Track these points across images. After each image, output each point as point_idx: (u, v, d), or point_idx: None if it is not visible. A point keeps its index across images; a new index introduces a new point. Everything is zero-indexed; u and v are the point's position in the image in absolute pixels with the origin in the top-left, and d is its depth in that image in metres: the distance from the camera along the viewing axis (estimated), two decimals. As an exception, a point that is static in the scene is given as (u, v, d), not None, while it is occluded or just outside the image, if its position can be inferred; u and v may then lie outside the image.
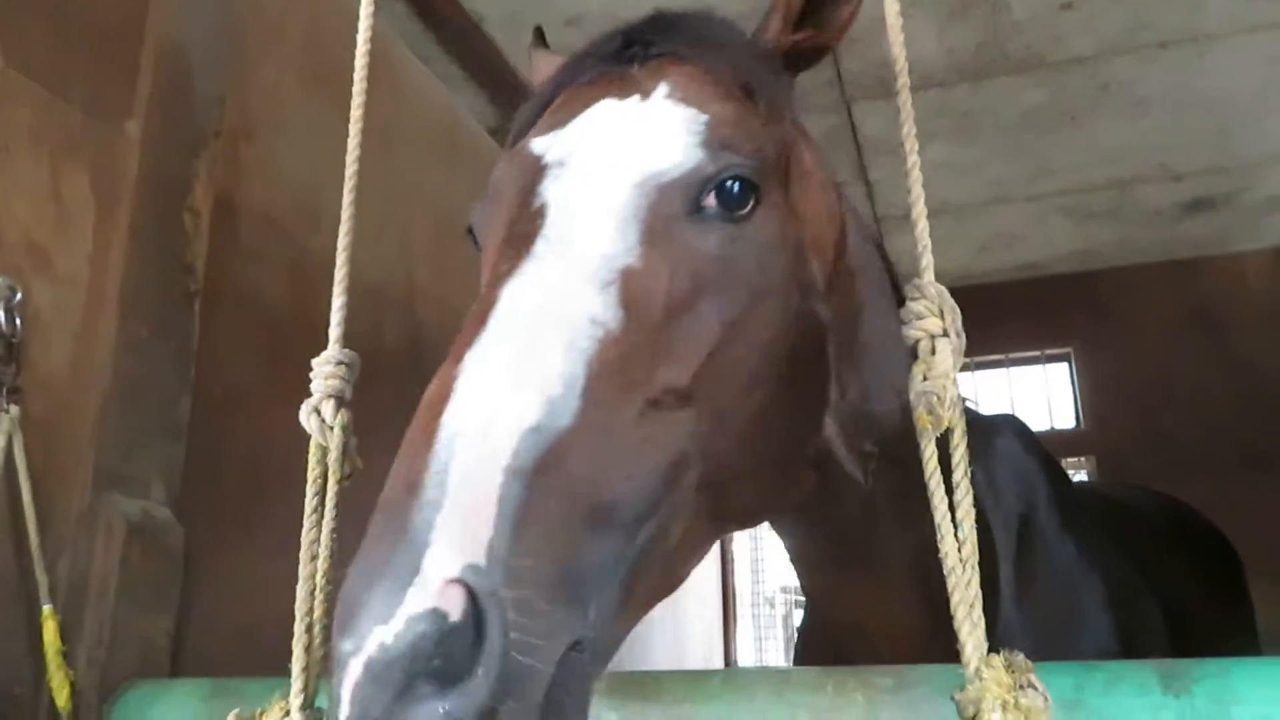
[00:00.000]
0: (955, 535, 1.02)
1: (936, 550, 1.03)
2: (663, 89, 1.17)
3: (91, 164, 2.32)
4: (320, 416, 1.34)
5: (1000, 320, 7.31)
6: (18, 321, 2.03)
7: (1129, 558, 2.27)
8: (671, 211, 1.06)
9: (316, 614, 1.27)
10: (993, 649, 1.79)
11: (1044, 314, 7.33)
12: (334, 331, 1.41)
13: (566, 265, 0.99)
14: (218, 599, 2.38)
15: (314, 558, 1.29)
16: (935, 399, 1.07)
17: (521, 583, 0.79)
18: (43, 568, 1.94)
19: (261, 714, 1.26)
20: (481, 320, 0.95)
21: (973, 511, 1.04)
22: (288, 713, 1.25)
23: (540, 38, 1.65)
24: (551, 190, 1.08)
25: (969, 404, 2.31)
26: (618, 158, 1.09)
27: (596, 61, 1.25)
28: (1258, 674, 1.32)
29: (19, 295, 2.05)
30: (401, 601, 0.75)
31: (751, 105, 1.20)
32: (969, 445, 1.91)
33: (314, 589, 1.28)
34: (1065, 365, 7.57)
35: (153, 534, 2.16)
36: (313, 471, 1.34)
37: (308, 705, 1.25)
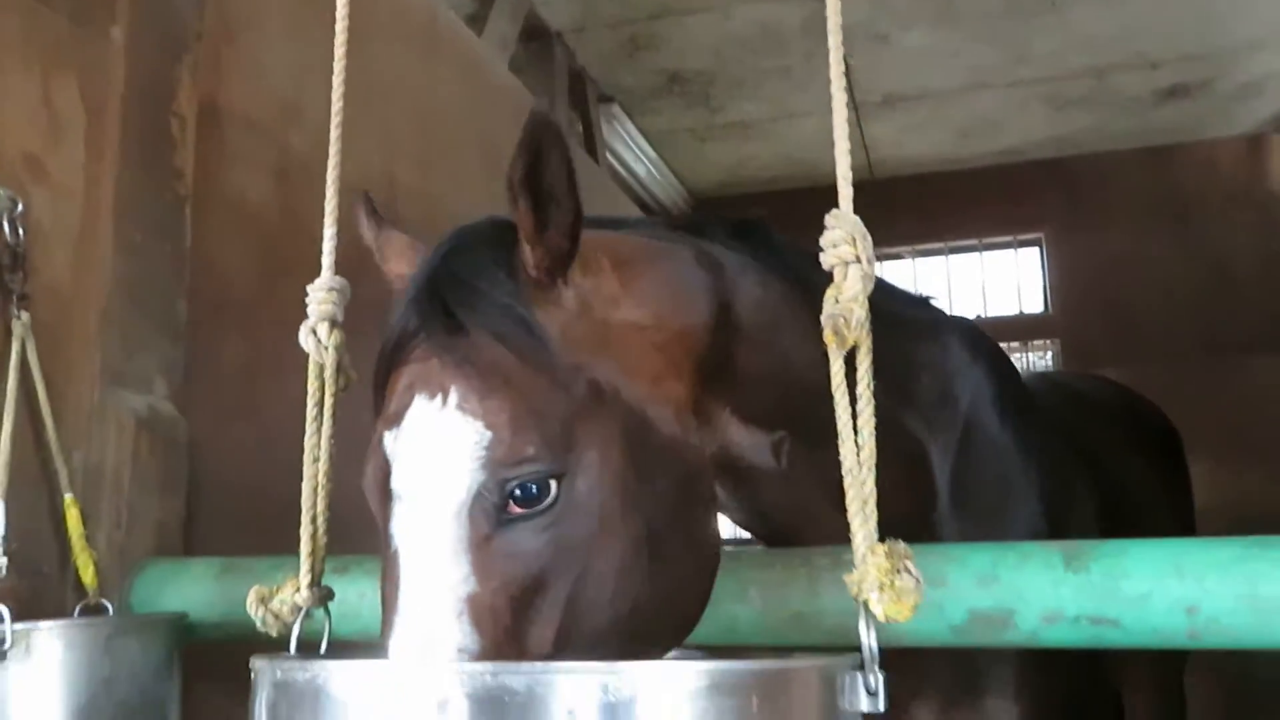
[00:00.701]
0: (855, 441, 1.19)
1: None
2: (454, 396, 1.22)
3: (80, 72, 2.40)
4: (317, 337, 1.49)
5: (976, 205, 7.43)
6: (20, 231, 2.16)
7: (1073, 446, 2.45)
8: (483, 532, 1.17)
9: (319, 508, 1.46)
10: (930, 539, 2.00)
11: (1019, 200, 7.45)
12: (326, 260, 1.54)
13: (423, 612, 1.15)
14: (222, 485, 2.57)
15: (315, 460, 1.47)
16: (842, 320, 1.22)
17: None
18: (61, 460, 2.12)
19: (276, 590, 1.47)
20: None
21: (873, 420, 1.20)
22: (298, 589, 1.45)
23: (370, 206, 1.58)
24: (396, 530, 1.22)
25: (933, 302, 2.46)
26: (431, 494, 1.20)
27: (413, 330, 1.30)
28: (1145, 554, 1.51)
29: (20, 206, 2.17)
30: None
31: (538, 368, 1.24)
32: (924, 354, 2.06)
33: (316, 487, 1.46)
34: (1037, 250, 7.72)
35: (159, 428, 2.34)
36: (312, 384, 1.49)
37: (315, 584, 1.46)
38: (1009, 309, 7.68)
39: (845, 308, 1.24)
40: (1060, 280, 7.43)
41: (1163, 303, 6.90)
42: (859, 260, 1.27)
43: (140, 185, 2.48)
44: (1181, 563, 1.45)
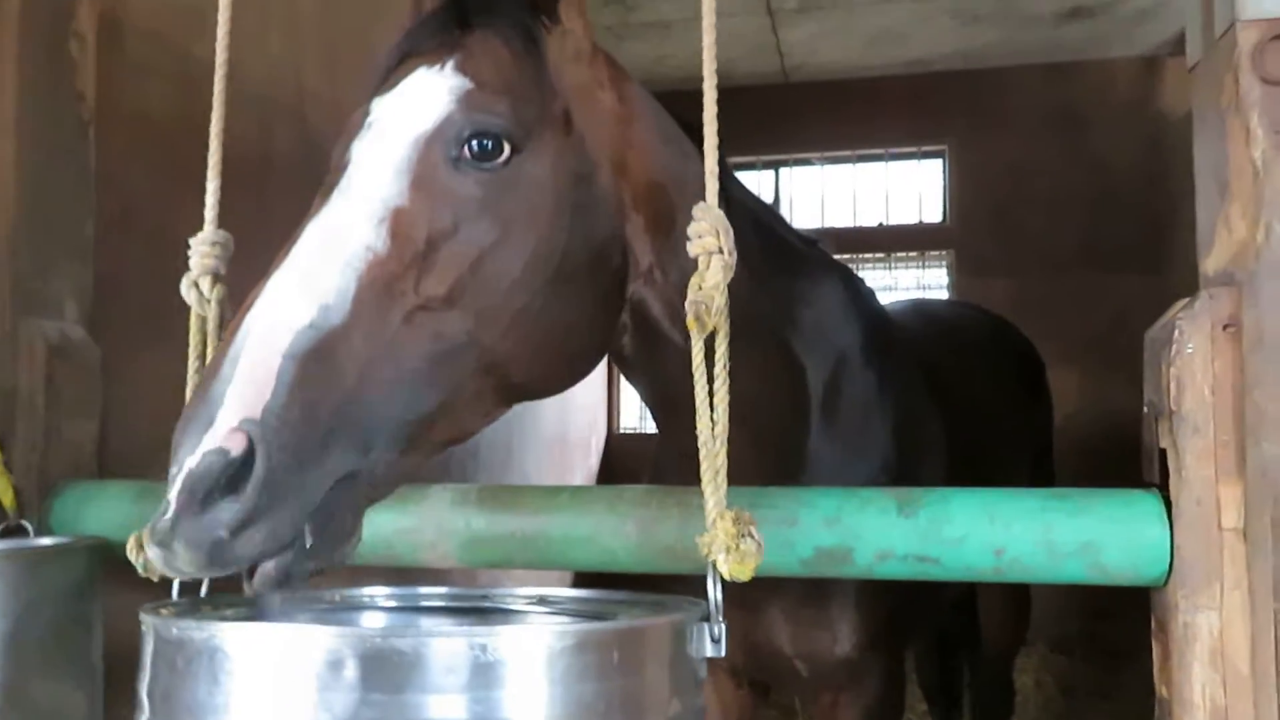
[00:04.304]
0: (711, 417, 1.36)
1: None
2: (453, 61, 1.42)
3: (-27, -7, 2.37)
4: (199, 290, 1.58)
5: (883, 114, 7.58)
6: (-78, 159, 2.17)
7: (930, 381, 2.67)
8: (434, 162, 1.35)
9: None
10: (802, 473, 2.19)
11: (925, 110, 7.61)
12: (208, 214, 1.61)
13: (351, 208, 1.30)
14: (135, 408, 2.65)
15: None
16: (704, 308, 1.37)
17: (290, 429, 1.13)
18: (-25, 388, 2.19)
19: None
20: (286, 251, 1.28)
21: (727, 398, 1.36)
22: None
23: None
24: (356, 148, 1.38)
25: (819, 245, 2.62)
26: (401, 120, 1.37)
27: (428, 30, 1.50)
28: (965, 502, 1.71)
29: (-80, 133, 2.18)
30: (200, 443, 1.11)
31: (527, 68, 1.46)
32: (810, 291, 2.23)
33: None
34: (940, 162, 7.93)
35: (71, 353, 2.40)
36: (194, 337, 1.58)
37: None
38: (909, 218, 7.92)
39: (707, 295, 1.39)
40: (960, 191, 7.67)
41: (1051, 217, 7.20)
42: (721, 251, 1.41)
43: (41, 107, 2.48)
44: (994, 511, 1.68)
